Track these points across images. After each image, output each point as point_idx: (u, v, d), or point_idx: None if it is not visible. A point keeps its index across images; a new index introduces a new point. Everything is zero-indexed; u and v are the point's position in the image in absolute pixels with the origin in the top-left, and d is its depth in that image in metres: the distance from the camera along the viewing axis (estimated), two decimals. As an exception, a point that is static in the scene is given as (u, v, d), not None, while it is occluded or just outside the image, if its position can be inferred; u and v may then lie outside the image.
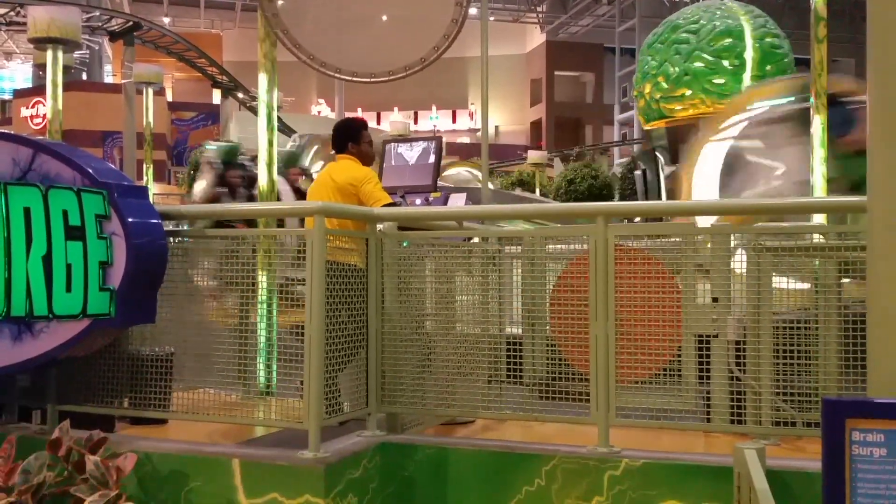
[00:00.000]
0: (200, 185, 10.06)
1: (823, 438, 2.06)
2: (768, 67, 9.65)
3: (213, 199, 11.12)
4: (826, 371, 3.69)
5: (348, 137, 5.06)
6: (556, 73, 45.23)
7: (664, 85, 9.89)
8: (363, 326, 4.19)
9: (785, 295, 3.82)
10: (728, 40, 9.68)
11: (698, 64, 9.67)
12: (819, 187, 4.63)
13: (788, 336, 3.67)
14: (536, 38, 46.21)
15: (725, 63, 9.62)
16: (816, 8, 4.86)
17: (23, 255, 3.82)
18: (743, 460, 3.07)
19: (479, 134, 45.90)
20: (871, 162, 2.27)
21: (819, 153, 4.71)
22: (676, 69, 9.72)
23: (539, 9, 44.06)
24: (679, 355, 3.86)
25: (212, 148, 10.80)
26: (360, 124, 5.22)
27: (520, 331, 4.22)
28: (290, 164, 13.20)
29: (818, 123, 4.77)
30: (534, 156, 26.74)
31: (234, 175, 11.37)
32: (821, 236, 3.99)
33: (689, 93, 9.75)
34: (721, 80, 9.65)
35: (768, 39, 9.80)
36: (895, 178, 2.21)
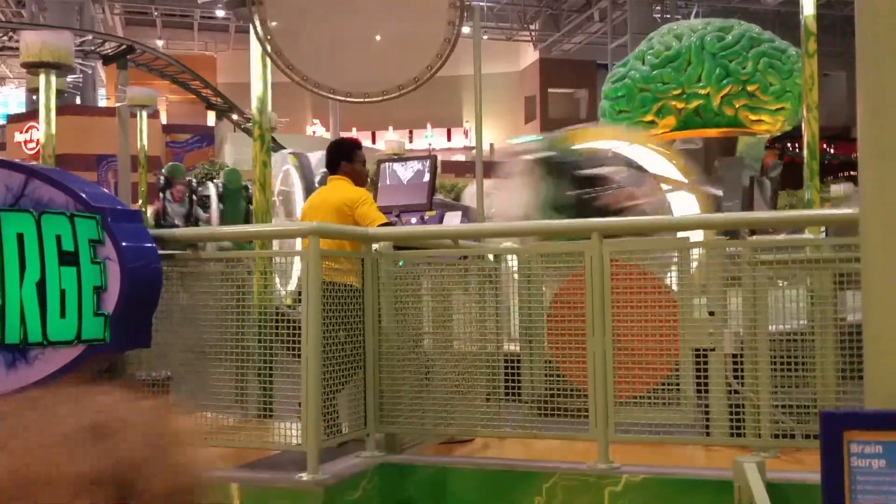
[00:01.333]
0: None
1: (822, 451, 2.05)
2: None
3: (157, 213, 11.30)
4: (824, 383, 3.69)
5: (342, 157, 5.07)
6: (550, 90, 45.39)
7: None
8: (360, 346, 4.18)
9: (782, 308, 3.82)
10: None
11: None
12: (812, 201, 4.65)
13: (786, 349, 3.67)
14: (530, 55, 46.41)
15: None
16: (806, 23, 4.89)
17: (16, 281, 3.81)
18: (743, 474, 3.06)
19: (474, 152, 45.75)
20: (863, 175, 2.28)
21: (812, 167, 4.72)
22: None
23: (532, 27, 44.29)
24: (677, 369, 3.85)
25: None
26: (354, 144, 5.24)
27: (518, 348, 4.21)
28: (175, 178, 13.00)
29: (810, 136, 4.79)
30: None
31: (178, 191, 11.56)
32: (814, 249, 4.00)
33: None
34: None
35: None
36: (886, 190, 2.22)
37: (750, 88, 9.33)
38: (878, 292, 2.21)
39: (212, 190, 12.88)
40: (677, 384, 3.84)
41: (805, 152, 4.74)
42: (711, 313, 3.89)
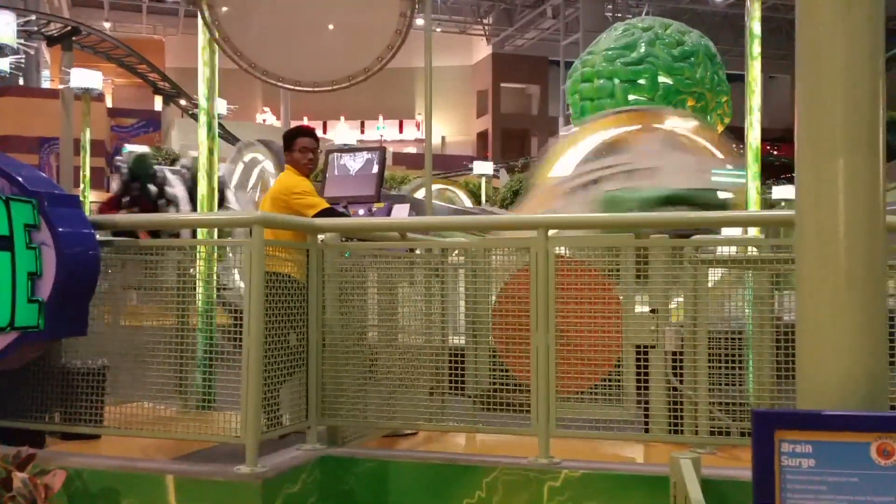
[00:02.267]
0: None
1: (753, 450, 2.09)
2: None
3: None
4: (760, 381, 3.76)
5: (284, 147, 5.03)
6: (502, 84, 45.55)
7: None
8: (304, 338, 4.14)
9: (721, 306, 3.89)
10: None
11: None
12: (753, 201, 4.74)
13: (724, 347, 3.73)
14: (483, 49, 46.50)
15: None
16: (751, 26, 4.97)
17: (-52, 265, 3.69)
18: (679, 469, 3.10)
19: (425, 144, 45.69)
20: (799, 178, 2.32)
21: (753, 168, 4.81)
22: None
23: (485, 21, 44.37)
24: (619, 366, 3.90)
25: (125, 151, 10.57)
26: (294, 132, 5.13)
27: (463, 341, 4.22)
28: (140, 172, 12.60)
29: (753, 139, 4.88)
30: (480, 166, 26.89)
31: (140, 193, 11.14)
32: (755, 249, 4.07)
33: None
34: None
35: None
36: (820, 193, 2.26)
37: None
38: (812, 294, 2.26)
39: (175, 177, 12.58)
40: (619, 381, 3.89)
41: (748, 154, 4.83)
42: (653, 310, 3.93)
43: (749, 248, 4.12)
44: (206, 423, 4.25)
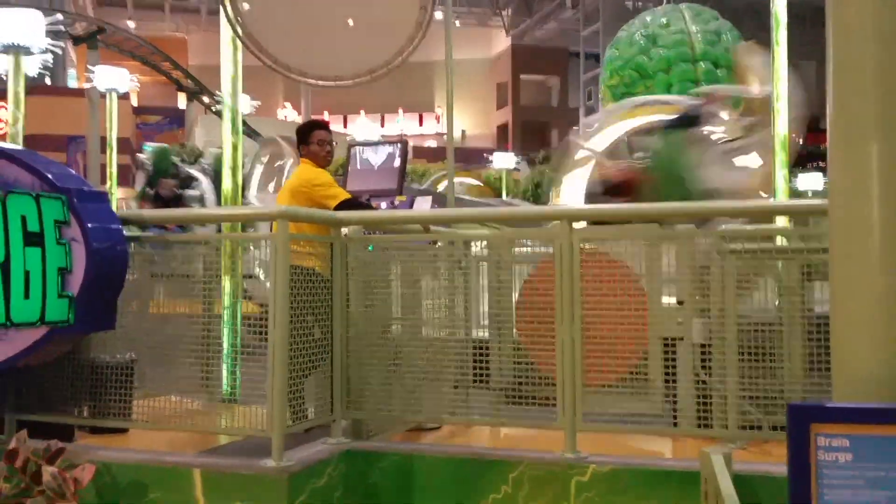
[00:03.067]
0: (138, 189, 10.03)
1: (789, 444, 2.06)
2: None
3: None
4: (791, 374, 3.70)
5: (300, 140, 5.04)
6: (522, 76, 45.40)
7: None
8: (328, 332, 4.14)
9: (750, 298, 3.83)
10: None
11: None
12: (781, 191, 4.67)
13: (754, 339, 3.68)
14: (502, 42, 46.35)
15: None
16: (776, 13, 4.90)
17: (-21, 261, 3.73)
18: (710, 465, 3.06)
19: (446, 137, 45.64)
20: (832, 165, 2.28)
21: (780, 156, 4.74)
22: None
23: (504, 13, 44.21)
24: (646, 359, 3.85)
25: (146, 149, 10.67)
26: (310, 125, 5.18)
27: (487, 334, 4.19)
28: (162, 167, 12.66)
29: (780, 127, 4.81)
30: (500, 159, 26.82)
31: (166, 186, 11.12)
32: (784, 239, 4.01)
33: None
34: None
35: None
36: (854, 180, 2.22)
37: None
38: (846, 284, 2.22)
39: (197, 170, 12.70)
40: (646, 374, 3.85)
41: (774, 143, 4.76)
42: (680, 303, 3.89)
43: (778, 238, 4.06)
44: (231, 416, 4.27)
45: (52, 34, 11.04)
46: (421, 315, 4.30)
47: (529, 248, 4.13)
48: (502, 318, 4.11)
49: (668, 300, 3.89)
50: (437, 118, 46.25)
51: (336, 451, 3.97)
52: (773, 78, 4.85)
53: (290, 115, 43.41)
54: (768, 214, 4.43)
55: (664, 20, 10.62)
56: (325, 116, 39.81)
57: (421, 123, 46.64)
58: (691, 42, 10.08)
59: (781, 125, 4.74)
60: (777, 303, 3.79)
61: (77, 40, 24.72)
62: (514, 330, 4.09)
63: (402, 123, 45.37)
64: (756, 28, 10.77)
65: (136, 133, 32.26)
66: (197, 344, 4.11)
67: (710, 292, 3.75)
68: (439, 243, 4.69)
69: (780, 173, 4.62)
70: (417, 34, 5.61)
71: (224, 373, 4.49)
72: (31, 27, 8.46)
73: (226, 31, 5.61)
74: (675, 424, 3.87)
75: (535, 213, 4.46)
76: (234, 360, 4.42)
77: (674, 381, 3.82)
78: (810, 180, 23.14)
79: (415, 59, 5.90)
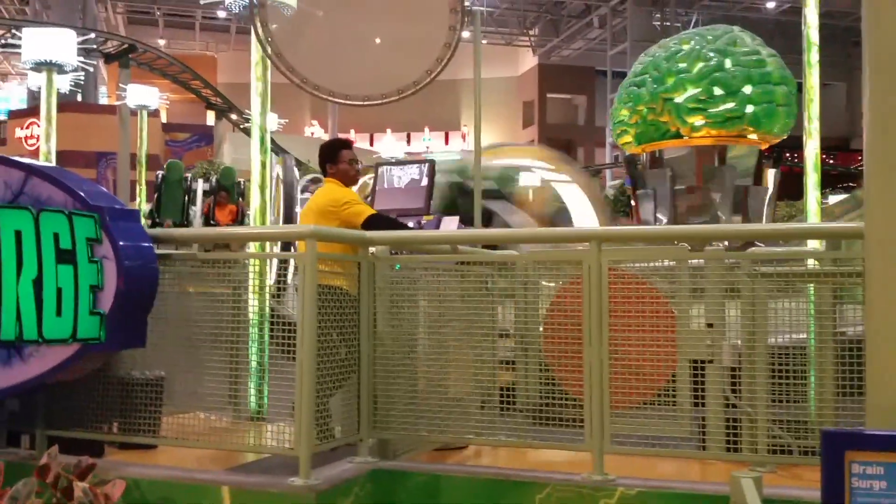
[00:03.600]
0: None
1: (823, 471, 2.03)
2: None
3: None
4: (822, 398, 3.66)
5: (326, 159, 5.07)
6: (549, 95, 45.44)
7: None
8: (355, 351, 4.15)
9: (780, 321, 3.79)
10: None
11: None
12: (814, 213, 4.63)
13: (784, 362, 3.64)
14: (528, 60, 46.45)
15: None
16: (808, 34, 4.88)
17: (13, 278, 3.79)
18: (739, 489, 3.02)
19: (474, 157, 45.64)
20: (868, 187, 2.26)
21: (813, 178, 4.71)
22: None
23: (531, 32, 44.32)
24: (674, 381, 3.83)
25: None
26: (337, 144, 5.23)
27: (513, 355, 4.18)
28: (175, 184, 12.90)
29: (812, 149, 4.78)
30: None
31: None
32: (816, 262, 3.98)
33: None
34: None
35: None
36: (891, 203, 2.20)
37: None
38: (882, 309, 2.19)
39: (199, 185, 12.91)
40: (674, 396, 3.82)
41: (806, 164, 4.73)
42: (710, 325, 3.86)
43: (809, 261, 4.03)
44: (259, 434, 4.28)
45: (84, 52, 11.25)
46: (448, 334, 4.30)
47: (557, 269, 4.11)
48: (529, 338, 4.10)
49: (698, 322, 3.86)
50: (464, 136, 46.36)
51: (363, 470, 3.98)
52: (806, 99, 4.82)
53: (317, 132, 43.73)
54: (803, 237, 4.38)
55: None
56: (352, 134, 40.08)
57: (447, 142, 46.76)
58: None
59: (813, 147, 4.71)
60: (808, 326, 3.76)
61: (109, 58, 25.12)
62: (541, 350, 4.08)
63: (428, 141, 45.53)
64: (784, 48, 10.69)
65: (165, 150, 32.62)
66: (225, 361, 4.14)
67: (741, 314, 3.72)
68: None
69: (813, 194, 4.58)
70: (446, 54, 5.64)
71: (251, 390, 4.51)
72: (63, 45, 8.62)
73: (255, 50, 5.68)
74: (704, 447, 3.84)
75: (565, 235, 4.45)
76: (261, 378, 4.44)
77: (702, 404, 3.79)
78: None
79: (441, 78, 5.93)
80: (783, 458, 3.66)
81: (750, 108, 9.32)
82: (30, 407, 4.25)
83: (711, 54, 9.63)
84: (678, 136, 9.77)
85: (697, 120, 9.53)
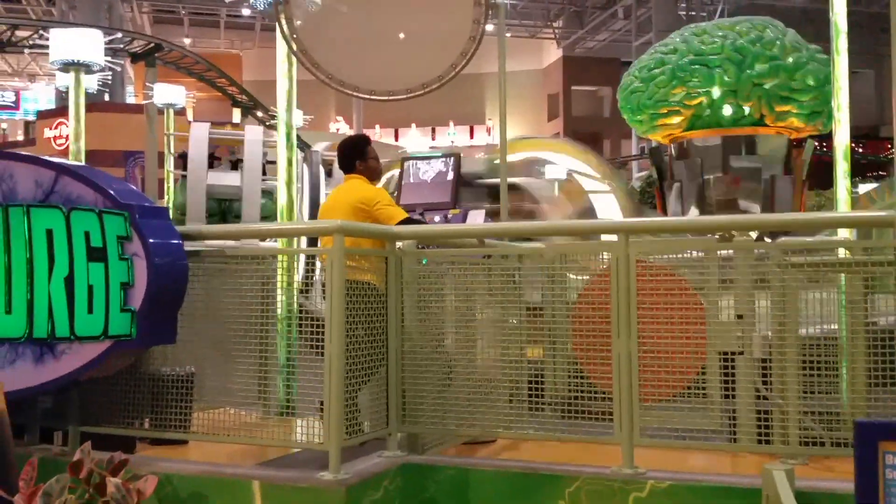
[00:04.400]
0: None
1: (856, 461, 2.01)
2: None
3: None
4: (854, 389, 3.62)
5: (355, 156, 5.07)
6: (574, 87, 45.24)
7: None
8: (382, 345, 4.16)
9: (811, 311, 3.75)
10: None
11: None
12: (844, 201, 4.57)
13: (816, 353, 3.60)
14: (553, 53, 46.27)
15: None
16: (836, 21, 4.81)
17: (45, 276, 3.85)
18: (772, 481, 3.01)
19: (496, 149, 45.75)
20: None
21: (842, 166, 4.65)
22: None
23: (555, 24, 44.13)
24: (704, 373, 3.80)
25: None
26: (364, 140, 5.24)
27: (541, 348, 4.17)
28: None
29: (841, 138, 4.72)
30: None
31: None
32: (846, 251, 3.92)
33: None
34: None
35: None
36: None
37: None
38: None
39: None
40: (703, 388, 3.79)
41: (836, 153, 4.66)
42: (740, 316, 3.83)
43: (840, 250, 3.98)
44: (288, 429, 4.31)
45: (111, 52, 11.35)
46: (475, 328, 4.30)
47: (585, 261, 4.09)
48: (557, 331, 4.09)
49: (728, 313, 3.83)
50: (489, 130, 46.30)
51: (392, 464, 3.99)
52: (835, 87, 4.75)
53: (342, 128, 43.87)
54: (833, 226, 4.32)
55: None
56: (377, 129, 40.17)
57: (472, 136, 46.72)
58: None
59: (843, 135, 4.64)
60: (840, 316, 3.71)
61: (135, 57, 25.32)
62: (569, 343, 4.07)
63: (453, 135, 45.52)
64: (812, 36, 10.53)
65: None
66: (254, 357, 4.18)
67: (771, 305, 3.69)
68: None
69: (843, 183, 4.52)
70: (470, 48, 5.63)
71: (280, 385, 4.54)
72: (91, 45, 8.69)
73: (281, 47, 5.70)
74: (735, 440, 3.81)
75: (592, 227, 4.43)
76: (290, 373, 4.47)
77: (732, 396, 3.76)
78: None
79: (465, 71, 5.92)
80: (815, 449, 3.63)
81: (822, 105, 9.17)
82: (62, 403, 4.31)
83: (798, 45, 9.41)
84: (742, 123, 9.46)
85: (789, 109, 9.31)
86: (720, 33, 9.65)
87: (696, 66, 9.46)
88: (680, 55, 9.66)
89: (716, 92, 9.26)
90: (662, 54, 9.94)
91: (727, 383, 3.75)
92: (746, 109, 9.37)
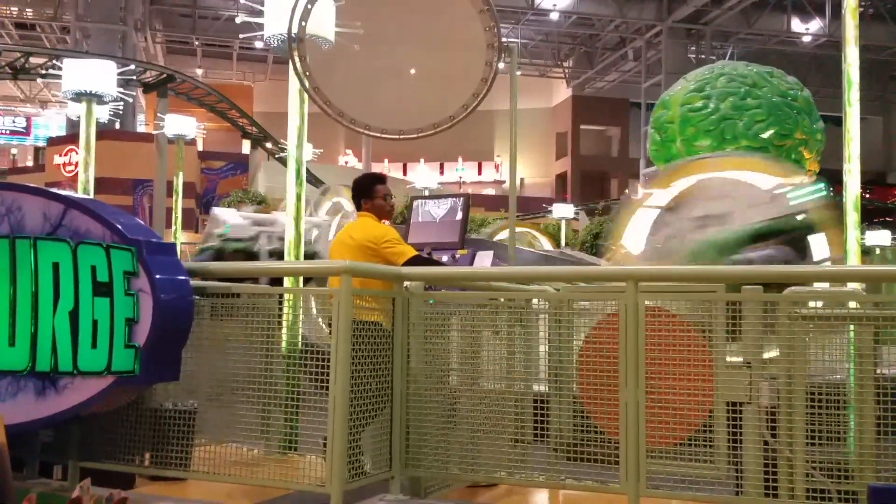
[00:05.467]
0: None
1: (869, 527, 1.97)
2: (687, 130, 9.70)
3: None
4: (862, 442, 3.57)
5: (361, 195, 5.08)
6: (582, 126, 45.45)
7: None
8: (387, 386, 4.13)
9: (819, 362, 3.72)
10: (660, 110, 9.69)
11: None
12: (854, 252, 4.55)
13: (824, 404, 3.56)
14: (562, 92, 46.57)
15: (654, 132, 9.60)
16: (848, 72, 4.83)
17: (50, 310, 3.83)
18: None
19: (504, 186, 46.12)
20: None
21: (853, 217, 4.63)
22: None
23: (565, 64, 44.47)
24: (710, 422, 3.75)
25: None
26: (371, 179, 5.22)
27: (546, 390, 4.13)
28: None
29: (852, 188, 4.71)
30: (560, 209, 26.80)
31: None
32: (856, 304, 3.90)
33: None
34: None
35: (687, 105, 9.85)
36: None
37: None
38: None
39: None
40: (710, 438, 3.74)
41: (846, 203, 4.65)
42: (747, 365, 3.79)
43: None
44: (290, 468, 4.26)
45: (123, 82, 11.45)
46: (481, 372, 4.26)
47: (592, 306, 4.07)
48: (562, 375, 4.05)
49: (734, 362, 3.79)
50: (497, 167, 46.48)
51: (394, 508, 3.94)
52: (846, 138, 4.75)
53: (350, 161, 44.05)
54: (844, 280, 4.29)
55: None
56: (385, 164, 40.33)
57: (480, 172, 46.88)
58: None
59: (854, 185, 4.63)
60: (848, 367, 3.67)
61: (147, 87, 25.56)
62: (575, 387, 4.02)
63: (462, 171, 45.68)
64: (819, 82, 10.60)
65: (200, 178, 33.05)
66: (256, 394, 4.14)
67: (779, 355, 3.65)
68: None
69: (853, 234, 4.50)
70: (482, 89, 5.67)
71: (281, 423, 4.50)
72: (104, 76, 8.78)
73: (293, 83, 5.74)
74: (739, 492, 3.75)
75: (601, 274, 4.41)
76: (293, 412, 4.43)
77: (738, 446, 3.70)
78: (878, 237, 22.59)
79: (475, 108, 5.94)
80: (823, 504, 3.56)
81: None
82: (63, 438, 4.27)
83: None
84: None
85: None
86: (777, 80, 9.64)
87: (787, 109, 9.33)
88: (769, 91, 9.43)
89: (798, 137, 9.22)
90: (741, 83, 9.57)
91: (734, 433, 3.70)
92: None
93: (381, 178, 5.26)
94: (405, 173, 41.86)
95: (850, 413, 3.64)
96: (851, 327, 3.71)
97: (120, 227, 3.82)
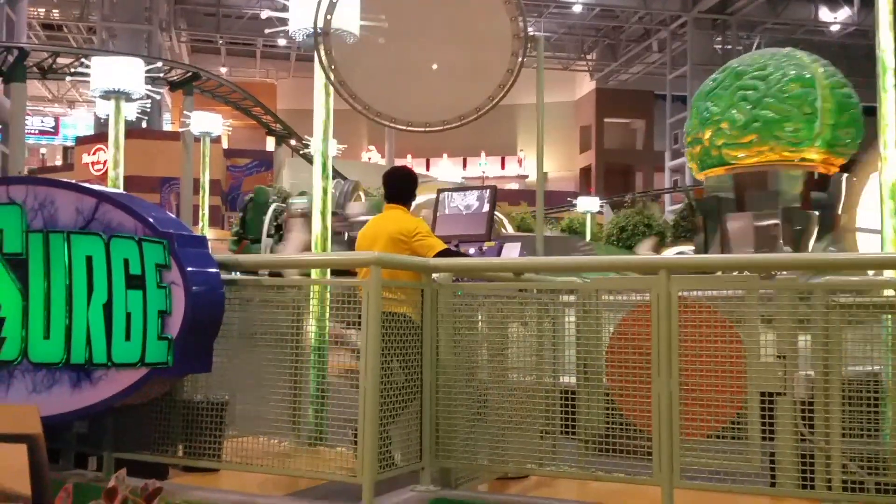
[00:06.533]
0: (298, 238, 10.12)
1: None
2: (842, 117, 9.46)
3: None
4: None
5: (402, 192, 5.08)
6: (606, 119, 45.25)
7: (728, 132, 9.60)
8: (416, 377, 4.13)
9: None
10: (799, 88, 9.43)
11: (767, 111, 9.43)
12: (890, 241, 4.48)
13: (860, 395, 3.51)
14: (586, 85, 46.39)
15: (797, 110, 9.38)
16: (882, 58, 4.75)
17: (84, 303, 3.87)
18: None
19: (527, 180, 46.02)
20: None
21: (889, 205, 4.56)
22: (743, 116, 9.49)
23: (589, 57, 44.26)
24: (744, 414, 3.71)
25: (301, 201, 10.98)
26: (416, 181, 5.24)
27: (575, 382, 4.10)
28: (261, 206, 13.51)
29: (889, 175, 4.64)
30: (585, 202, 26.69)
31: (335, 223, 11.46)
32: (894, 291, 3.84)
33: (756, 139, 9.48)
34: (792, 128, 9.40)
35: (840, 89, 9.61)
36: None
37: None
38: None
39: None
40: (744, 429, 3.70)
41: (882, 192, 4.57)
42: (782, 356, 3.74)
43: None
44: (321, 459, 4.28)
45: (150, 80, 11.55)
46: (510, 362, 4.25)
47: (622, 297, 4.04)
48: (591, 366, 4.02)
49: (769, 353, 3.75)
50: (520, 161, 46.40)
51: (425, 498, 3.94)
52: (881, 125, 4.67)
53: (374, 157, 44.16)
54: (879, 267, 4.22)
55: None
56: (409, 159, 40.40)
57: (503, 166, 46.82)
58: None
59: (890, 173, 4.56)
60: (885, 357, 3.62)
61: (173, 86, 25.77)
62: (604, 378, 3.99)
63: (485, 166, 45.64)
64: (846, 70, 10.45)
65: (226, 175, 33.28)
66: (287, 386, 4.15)
67: (815, 346, 3.60)
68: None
69: (889, 222, 4.43)
70: (508, 80, 5.64)
71: (312, 415, 4.51)
72: (131, 74, 8.85)
73: (318, 77, 5.74)
74: (773, 483, 3.71)
75: (634, 264, 4.38)
76: (323, 404, 4.44)
77: (773, 438, 3.66)
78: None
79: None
80: (858, 495, 3.52)
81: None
82: (97, 429, 4.31)
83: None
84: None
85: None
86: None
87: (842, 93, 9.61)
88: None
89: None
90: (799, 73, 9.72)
91: (765, 425, 3.65)
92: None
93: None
94: (428, 168, 41.92)
95: (886, 405, 3.59)
96: (889, 317, 3.66)
97: (152, 220, 3.85)
